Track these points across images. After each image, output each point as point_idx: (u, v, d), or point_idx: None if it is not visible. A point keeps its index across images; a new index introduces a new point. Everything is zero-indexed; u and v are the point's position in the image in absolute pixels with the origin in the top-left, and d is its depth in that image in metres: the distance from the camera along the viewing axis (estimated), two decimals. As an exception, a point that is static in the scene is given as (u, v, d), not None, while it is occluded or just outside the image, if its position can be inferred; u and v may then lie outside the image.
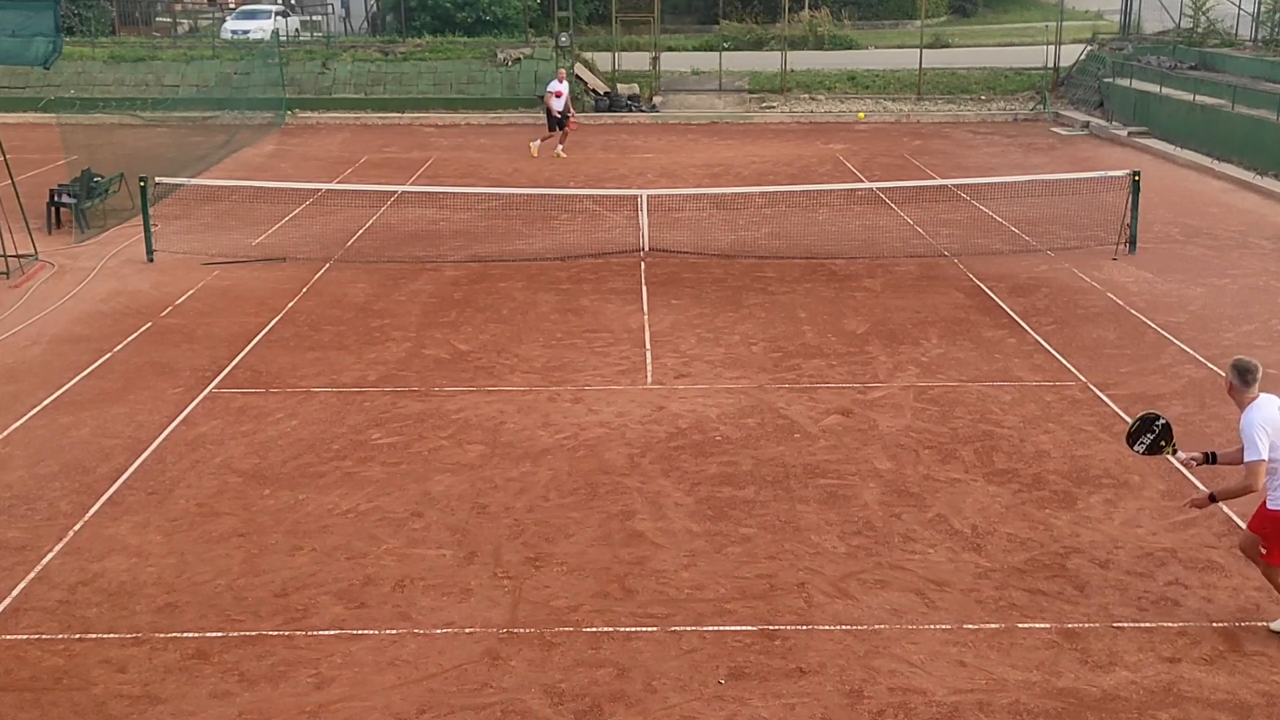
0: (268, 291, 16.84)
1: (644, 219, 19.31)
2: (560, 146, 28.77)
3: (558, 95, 28.45)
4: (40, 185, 21.63)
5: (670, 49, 41.95)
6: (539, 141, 28.86)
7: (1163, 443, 8.43)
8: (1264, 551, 8.16)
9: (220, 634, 8.34)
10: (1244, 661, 7.95)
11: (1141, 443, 8.48)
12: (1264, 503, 8.07)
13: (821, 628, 8.36)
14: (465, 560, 9.34)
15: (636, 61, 38.85)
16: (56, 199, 20.63)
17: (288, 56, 36.89)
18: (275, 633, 8.36)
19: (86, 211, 20.63)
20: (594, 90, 36.31)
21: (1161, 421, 8.42)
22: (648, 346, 14.39)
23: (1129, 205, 18.64)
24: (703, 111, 36.04)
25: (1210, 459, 8.35)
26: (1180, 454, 8.42)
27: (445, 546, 9.57)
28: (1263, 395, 8.08)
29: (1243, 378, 8.07)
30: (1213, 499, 8.42)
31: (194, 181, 22.32)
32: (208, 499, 10.45)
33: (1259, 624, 8.38)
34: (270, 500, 10.41)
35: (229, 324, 15.34)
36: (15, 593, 8.91)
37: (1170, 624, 8.39)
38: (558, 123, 28.69)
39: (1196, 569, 9.13)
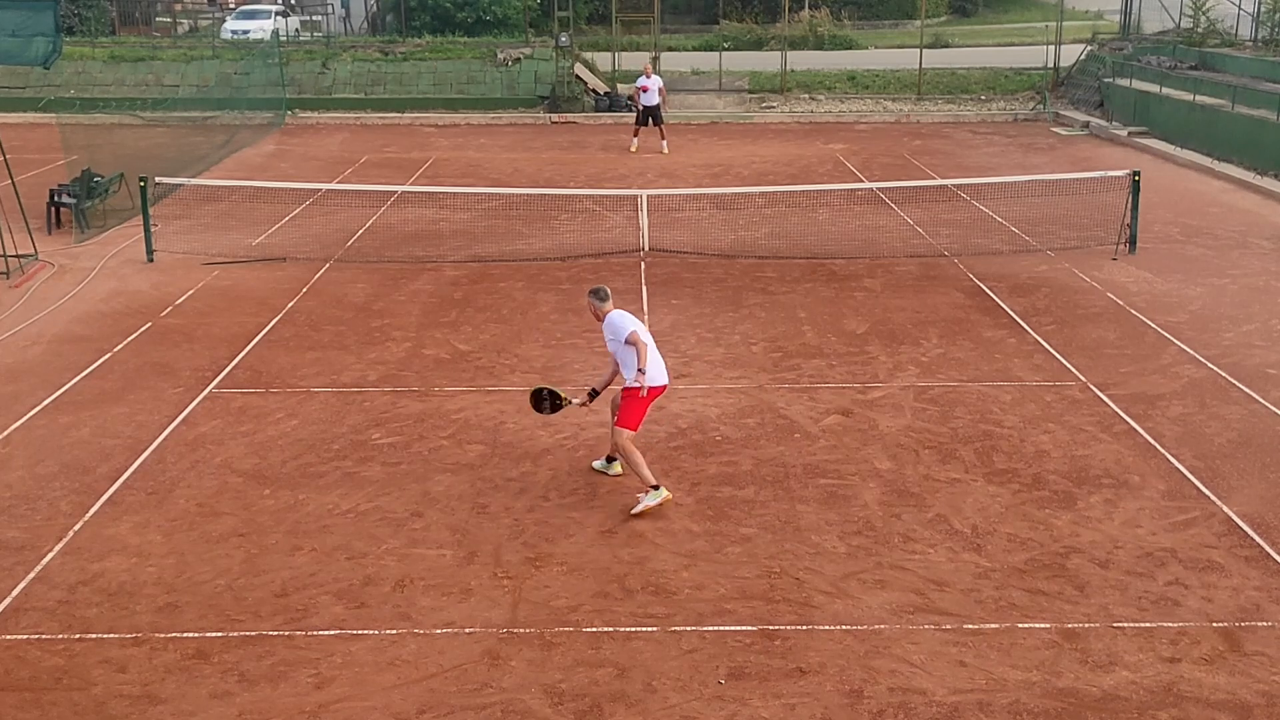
0: (268, 291, 16.84)
1: (644, 219, 19.31)
2: (635, 141, 29.33)
3: (644, 90, 29.08)
4: (40, 185, 21.63)
5: (670, 49, 41.95)
6: (664, 140, 29.39)
7: (559, 401, 10.70)
8: (614, 417, 10.45)
9: (220, 634, 8.34)
10: (1244, 661, 7.95)
11: (544, 409, 10.73)
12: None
13: (821, 628, 8.36)
14: (465, 560, 9.35)
15: (636, 61, 38.82)
16: (56, 199, 20.62)
17: (288, 56, 36.90)
18: (275, 633, 8.36)
19: (86, 211, 20.63)
20: (594, 90, 36.31)
21: (543, 393, 10.74)
22: (648, 346, 14.37)
23: (1129, 205, 18.64)
24: (703, 111, 36.05)
25: (593, 394, 10.72)
26: (575, 400, 10.77)
27: (445, 546, 9.57)
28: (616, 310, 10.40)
29: (597, 295, 10.48)
30: (594, 394, 10.71)
31: (194, 181, 22.32)
32: (208, 499, 10.45)
33: (1259, 624, 8.38)
34: (270, 500, 10.41)
35: (229, 324, 15.34)
36: (15, 593, 8.91)
37: (1170, 624, 8.39)
38: (645, 117, 29.23)
39: (1196, 569, 9.13)
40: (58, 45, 18.67)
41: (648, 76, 29.49)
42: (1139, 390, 12.85)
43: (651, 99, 29.14)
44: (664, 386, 10.53)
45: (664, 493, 10.11)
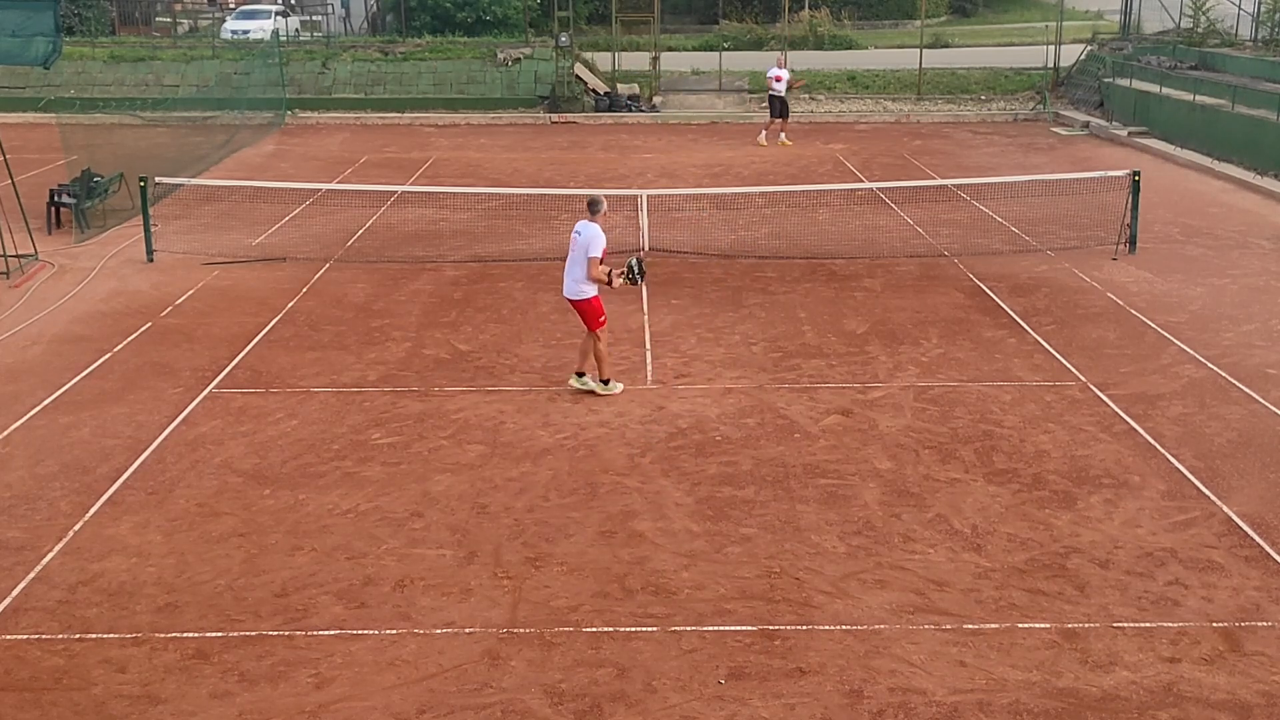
0: (268, 291, 16.85)
1: (644, 219, 19.31)
2: (783, 134, 29.83)
3: (778, 80, 29.61)
4: (40, 185, 21.62)
5: (670, 49, 41.96)
6: (764, 132, 30.00)
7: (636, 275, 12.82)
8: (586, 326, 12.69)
9: (220, 634, 8.34)
10: (1244, 661, 7.95)
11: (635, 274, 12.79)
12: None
13: (821, 628, 8.37)
14: (465, 560, 9.35)
15: (636, 61, 38.85)
16: (56, 199, 20.62)
17: (288, 56, 36.89)
18: (275, 633, 8.37)
19: (86, 211, 20.63)
20: (594, 90, 36.31)
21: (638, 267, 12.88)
22: (648, 346, 14.40)
23: (1129, 205, 18.64)
24: (703, 111, 36.04)
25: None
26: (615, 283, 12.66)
27: (445, 546, 9.57)
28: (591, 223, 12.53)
29: (591, 209, 12.68)
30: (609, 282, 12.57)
31: (194, 181, 22.33)
32: (208, 499, 10.45)
33: (1259, 624, 8.38)
34: (270, 500, 10.41)
35: (229, 324, 15.34)
36: (15, 593, 8.91)
37: (1170, 624, 8.40)
38: (776, 108, 29.75)
39: (1196, 569, 9.14)
40: (58, 45, 18.66)
41: (780, 67, 29.90)
42: (1139, 390, 12.85)
43: (782, 89, 29.66)
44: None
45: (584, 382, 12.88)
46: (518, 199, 22.83)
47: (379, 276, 17.71)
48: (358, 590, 8.92)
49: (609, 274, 12.52)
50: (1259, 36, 33.58)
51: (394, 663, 8.00)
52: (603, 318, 12.60)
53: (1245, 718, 7.39)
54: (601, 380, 12.74)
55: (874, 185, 23.53)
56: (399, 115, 35.44)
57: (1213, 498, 10.30)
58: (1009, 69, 38.25)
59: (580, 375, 12.84)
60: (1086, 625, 8.38)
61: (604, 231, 12.58)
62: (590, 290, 12.47)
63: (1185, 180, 25.03)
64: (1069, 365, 13.62)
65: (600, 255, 12.39)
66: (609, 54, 38.52)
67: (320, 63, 37.34)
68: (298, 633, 8.36)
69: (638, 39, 42.02)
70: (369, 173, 26.69)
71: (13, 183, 18.96)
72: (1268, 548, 9.44)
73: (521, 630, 8.35)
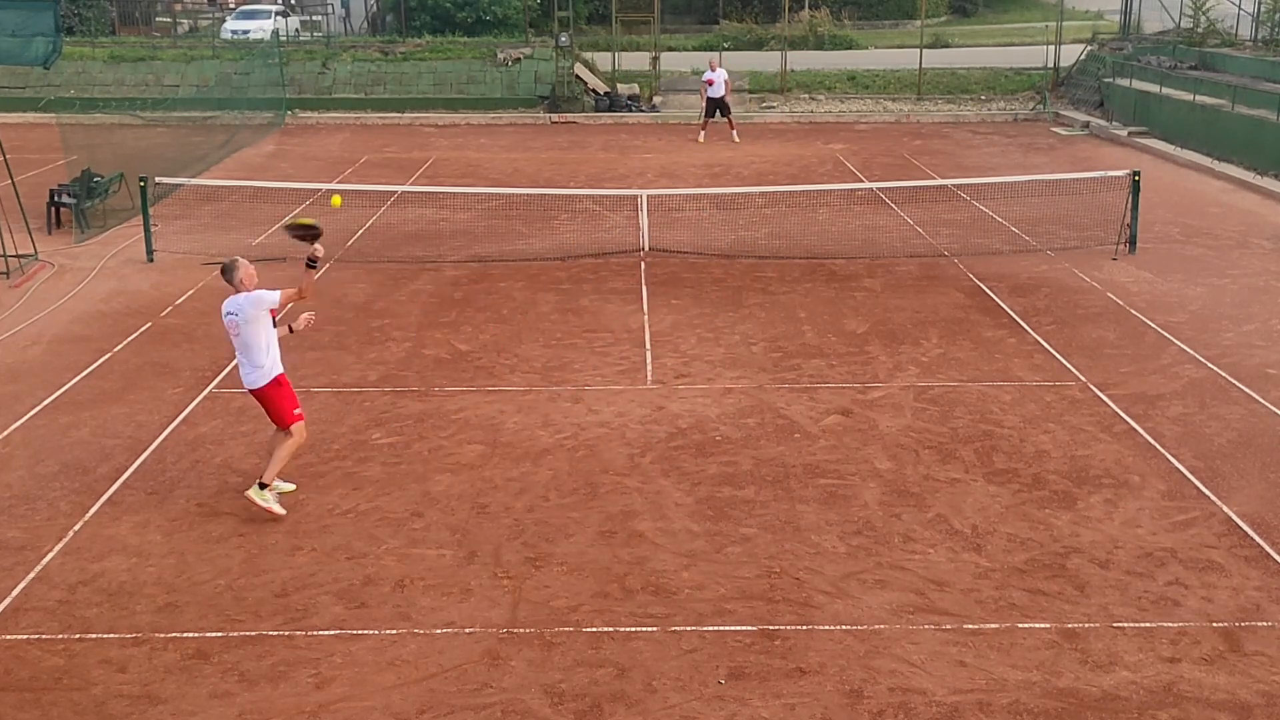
0: (268, 291, 16.83)
1: (644, 219, 19.31)
2: (703, 133, 30.94)
3: (710, 83, 30.57)
4: (40, 185, 21.63)
5: (670, 49, 41.95)
6: (734, 129, 31.05)
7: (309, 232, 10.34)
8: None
9: (220, 634, 8.34)
10: (1244, 661, 7.95)
11: (302, 230, 10.37)
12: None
13: (821, 628, 8.36)
14: (465, 560, 9.35)
15: (636, 61, 38.86)
16: (56, 199, 20.62)
17: (288, 56, 36.89)
18: (275, 633, 8.36)
19: (86, 211, 20.62)
20: (594, 90, 36.31)
21: (316, 230, 10.35)
22: (648, 346, 14.39)
23: (1129, 205, 18.64)
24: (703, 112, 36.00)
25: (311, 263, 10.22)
26: (318, 250, 10.24)
27: (445, 546, 9.58)
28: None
29: (226, 276, 10.44)
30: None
31: (194, 181, 22.33)
32: (208, 499, 10.45)
33: (1259, 624, 8.38)
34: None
35: (229, 324, 15.32)
36: (15, 593, 8.91)
37: (1170, 624, 8.40)
38: (712, 109, 30.71)
39: (1196, 569, 9.14)
40: (58, 45, 18.65)
41: (713, 70, 30.64)
42: (1139, 390, 12.85)
43: (718, 91, 30.48)
44: None
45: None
46: (518, 199, 22.83)
47: (379, 276, 17.71)
48: (358, 590, 8.92)
49: (301, 285, 10.36)
50: (1259, 36, 33.57)
51: (394, 663, 8.00)
52: (298, 409, 10.19)
53: (1245, 718, 7.39)
54: (260, 483, 9.98)
55: (874, 185, 23.53)
56: (399, 115, 35.43)
57: (1213, 498, 10.30)
58: (1009, 69, 38.27)
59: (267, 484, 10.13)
60: (1086, 625, 8.38)
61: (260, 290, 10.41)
62: (272, 371, 10.21)
63: (1185, 180, 25.03)
64: (1069, 365, 13.62)
65: (278, 306, 10.24)
66: (609, 54, 38.53)
67: (320, 63, 37.34)
68: (298, 633, 8.36)
69: (638, 39, 42.03)
70: (369, 173, 26.69)
71: (13, 183, 18.96)
72: (1268, 548, 9.44)
73: (521, 630, 8.35)
